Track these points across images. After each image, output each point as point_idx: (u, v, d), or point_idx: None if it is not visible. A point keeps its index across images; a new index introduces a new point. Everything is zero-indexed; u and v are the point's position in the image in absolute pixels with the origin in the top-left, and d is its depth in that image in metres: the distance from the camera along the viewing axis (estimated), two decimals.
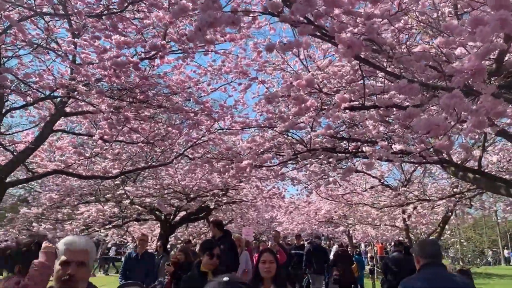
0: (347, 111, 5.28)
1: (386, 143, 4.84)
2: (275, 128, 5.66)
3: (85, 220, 11.01)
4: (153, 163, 9.01)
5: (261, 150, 5.99)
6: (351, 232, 22.93)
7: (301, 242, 12.37)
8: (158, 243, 10.67)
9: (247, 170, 6.19)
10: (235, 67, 8.06)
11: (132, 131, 7.85)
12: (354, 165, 6.32)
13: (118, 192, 10.40)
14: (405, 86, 2.20)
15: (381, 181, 13.14)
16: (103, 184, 11.90)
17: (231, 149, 6.51)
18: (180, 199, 11.34)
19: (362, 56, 3.29)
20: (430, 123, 2.09)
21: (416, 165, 13.63)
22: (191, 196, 11.08)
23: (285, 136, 6.09)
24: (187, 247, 6.76)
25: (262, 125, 6.48)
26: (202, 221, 16.30)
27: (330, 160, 6.40)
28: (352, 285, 12.66)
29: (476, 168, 6.36)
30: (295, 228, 26.79)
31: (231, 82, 8.59)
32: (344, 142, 6.56)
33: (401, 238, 16.47)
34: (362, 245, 26.57)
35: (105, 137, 7.91)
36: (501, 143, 8.84)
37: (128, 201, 10.86)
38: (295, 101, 4.14)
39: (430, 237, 13.52)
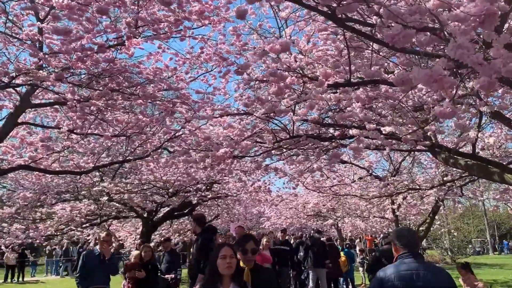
0: (332, 93, 4.87)
1: (375, 125, 4.42)
2: (254, 114, 5.21)
3: (59, 219, 10.43)
4: (130, 157, 8.51)
5: (242, 138, 5.54)
6: (339, 225, 22.63)
7: (286, 237, 11.94)
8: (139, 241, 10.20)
9: (227, 161, 5.75)
10: (214, 54, 7.58)
11: (104, 122, 7.35)
12: (341, 152, 5.89)
13: (95, 189, 9.86)
14: (399, 32, 1.77)
15: (370, 171, 12.82)
16: (81, 182, 11.36)
17: (210, 139, 6.04)
18: (162, 195, 10.84)
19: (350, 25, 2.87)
20: (432, 74, 1.66)
21: (405, 154, 13.36)
22: (170, 191, 10.58)
23: (266, 121, 5.66)
24: (150, 247, 6.27)
25: (242, 112, 6.03)
26: (187, 217, 15.82)
27: (316, 149, 5.98)
28: (340, 279, 12.46)
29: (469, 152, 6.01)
30: (283, 222, 26.48)
31: (211, 70, 8.13)
32: (331, 128, 6.16)
33: (390, 230, 16.22)
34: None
35: (78, 130, 7.44)
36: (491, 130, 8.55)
37: (106, 198, 10.34)
38: (272, 78, 3.69)
39: (420, 228, 13.26)
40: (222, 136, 5.52)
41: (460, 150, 6.59)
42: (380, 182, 10.47)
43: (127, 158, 8.20)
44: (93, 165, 7.86)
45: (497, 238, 42.86)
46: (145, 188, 10.66)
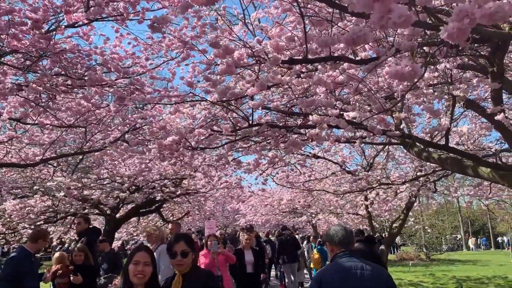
0: (296, 78, 4.38)
1: (338, 111, 3.95)
2: (208, 99, 4.68)
3: (10, 217, 9.68)
4: (85, 150, 7.86)
5: (195, 127, 5.00)
6: (314, 221, 22.30)
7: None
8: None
9: (187, 153, 5.21)
10: (176, 38, 6.99)
11: (49, 110, 6.69)
12: (300, 142, 5.40)
13: (48, 184, 9.15)
14: None
15: (343, 167, 12.45)
16: (39, 176, 10.62)
17: (165, 128, 5.48)
18: (123, 191, 10.18)
19: None
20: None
21: (379, 149, 13.04)
22: (125, 186, 9.91)
23: (225, 108, 5.14)
24: (84, 247, 5.37)
25: (199, 99, 5.47)
26: (154, 214, 15.17)
27: (280, 139, 5.48)
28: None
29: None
30: (259, 219, 26.09)
31: (176, 57, 7.54)
32: (294, 117, 5.69)
33: (364, 227, 15.92)
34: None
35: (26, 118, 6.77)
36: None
37: (62, 193, 9.63)
38: (217, 52, 3.18)
39: (394, 225, 12.96)
40: (169, 120, 4.94)
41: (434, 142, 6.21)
42: (352, 177, 10.07)
43: (80, 150, 7.54)
44: (41, 157, 7.18)
45: (470, 234, 43.49)
46: (104, 183, 9.99)
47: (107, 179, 9.84)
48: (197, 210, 17.16)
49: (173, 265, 2.91)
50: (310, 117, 3.95)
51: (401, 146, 9.38)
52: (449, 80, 4.34)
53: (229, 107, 5.03)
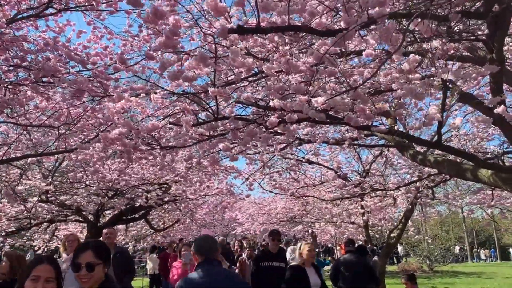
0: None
1: (306, 97, 3.34)
2: (164, 87, 4.08)
3: None
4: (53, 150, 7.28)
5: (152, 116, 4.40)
6: (314, 231, 21.54)
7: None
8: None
9: (135, 149, 4.61)
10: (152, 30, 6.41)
11: (10, 106, 6.13)
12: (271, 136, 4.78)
13: (20, 187, 8.55)
14: None
15: (338, 173, 11.80)
16: (15, 180, 10.03)
17: (110, 119, 4.86)
18: (100, 196, 9.57)
19: None
20: None
21: (376, 154, 12.38)
22: (93, 189, 9.22)
23: (185, 98, 4.54)
24: (13, 253, 4.39)
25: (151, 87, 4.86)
26: (142, 220, 14.51)
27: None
28: None
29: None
30: (257, 228, 25.40)
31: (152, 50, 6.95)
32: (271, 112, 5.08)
33: (360, 237, 15.19)
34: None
35: None
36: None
37: (36, 198, 9.05)
38: (150, 17, 2.59)
39: (392, 234, 12.23)
40: (114, 110, 4.30)
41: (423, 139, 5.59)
42: (342, 182, 9.41)
43: (45, 151, 6.96)
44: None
45: (476, 245, 42.37)
46: (77, 187, 9.37)
47: (83, 183, 9.19)
48: (188, 218, 16.48)
49: (77, 280, 2.29)
50: (271, 103, 3.34)
51: (397, 150, 8.77)
52: (437, 65, 3.72)
53: (191, 99, 4.43)
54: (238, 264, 7.95)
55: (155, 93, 4.19)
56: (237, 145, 4.57)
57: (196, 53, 3.44)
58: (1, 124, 7.59)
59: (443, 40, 3.66)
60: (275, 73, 3.74)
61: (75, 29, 6.56)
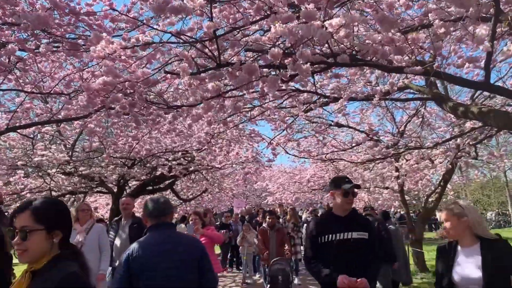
0: None
1: (320, 23, 2.65)
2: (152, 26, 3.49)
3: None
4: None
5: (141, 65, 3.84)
6: None
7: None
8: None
9: (130, 104, 4.08)
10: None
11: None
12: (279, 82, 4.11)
13: (36, 159, 8.30)
14: None
15: (370, 135, 11.00)
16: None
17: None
18: (120, 166, 9.24)
19: None
20: None
21: (411, 114, 11.44)
22: (105, 163, 8.84)
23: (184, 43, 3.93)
24: None
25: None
26: (169, 192, 14.26)
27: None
28: None
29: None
30: (288, 197, 25.00)
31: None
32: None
33: (396, 203, 14.42)
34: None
35: None
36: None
37: (54, 170, 8.82)
38: None
39: (430, 199, 11.42)
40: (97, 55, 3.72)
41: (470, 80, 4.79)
42: (375, 143, 8.65)
43: (53, 118, 6.57)
44: (6, 126, 6.26)
45: None
46: (93, 157, 9.05)
47: (95, 153, 8.83)
48: (217, 188, 16.17)
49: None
50: (272, 28, 2.69)
51: (434, 103, 7.87)
52: None
53: (189, 42, 3.82)
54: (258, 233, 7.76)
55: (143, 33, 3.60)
56: (233, 86, 3.92)
57: None
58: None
59: None
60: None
61: None
